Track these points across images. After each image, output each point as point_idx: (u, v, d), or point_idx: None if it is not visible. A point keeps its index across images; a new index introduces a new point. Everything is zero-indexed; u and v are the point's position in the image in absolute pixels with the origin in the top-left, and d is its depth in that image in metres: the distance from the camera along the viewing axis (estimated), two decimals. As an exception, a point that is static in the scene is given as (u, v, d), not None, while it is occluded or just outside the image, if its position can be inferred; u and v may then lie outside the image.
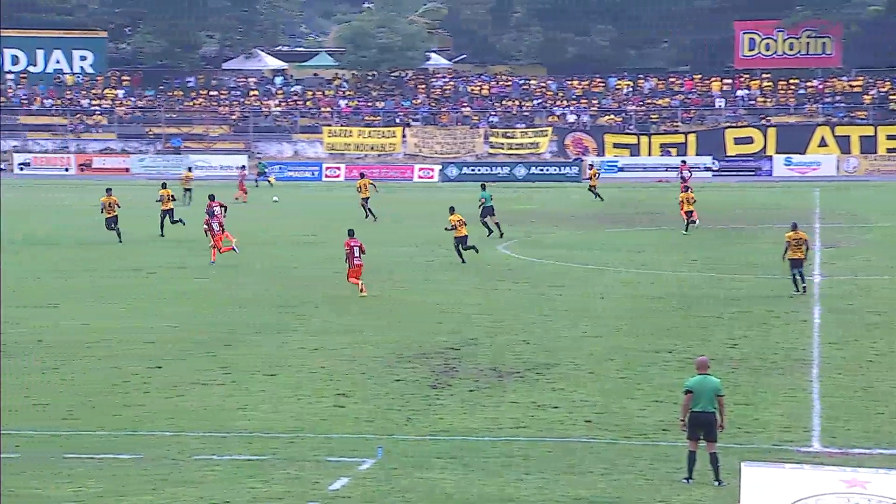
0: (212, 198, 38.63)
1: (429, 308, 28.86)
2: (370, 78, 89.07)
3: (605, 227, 46.60)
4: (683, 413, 16.26)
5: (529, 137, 78.34)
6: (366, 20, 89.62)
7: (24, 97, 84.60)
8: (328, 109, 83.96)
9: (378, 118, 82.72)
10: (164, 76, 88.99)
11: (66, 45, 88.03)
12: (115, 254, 38.23)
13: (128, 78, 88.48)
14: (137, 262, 36.56)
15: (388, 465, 16.81)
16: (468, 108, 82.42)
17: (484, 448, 17.69)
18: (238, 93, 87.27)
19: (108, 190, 42.08)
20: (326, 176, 74.02)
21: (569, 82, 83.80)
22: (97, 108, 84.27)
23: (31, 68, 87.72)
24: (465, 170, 75.02)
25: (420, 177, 74.88)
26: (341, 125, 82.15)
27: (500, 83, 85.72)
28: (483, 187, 44.41)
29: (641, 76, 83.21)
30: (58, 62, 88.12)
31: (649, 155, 74.23)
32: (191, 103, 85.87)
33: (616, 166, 73.02)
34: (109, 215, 40.89)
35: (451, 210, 36.66)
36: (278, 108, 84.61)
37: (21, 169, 77.24)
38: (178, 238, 41.95)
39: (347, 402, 20.26)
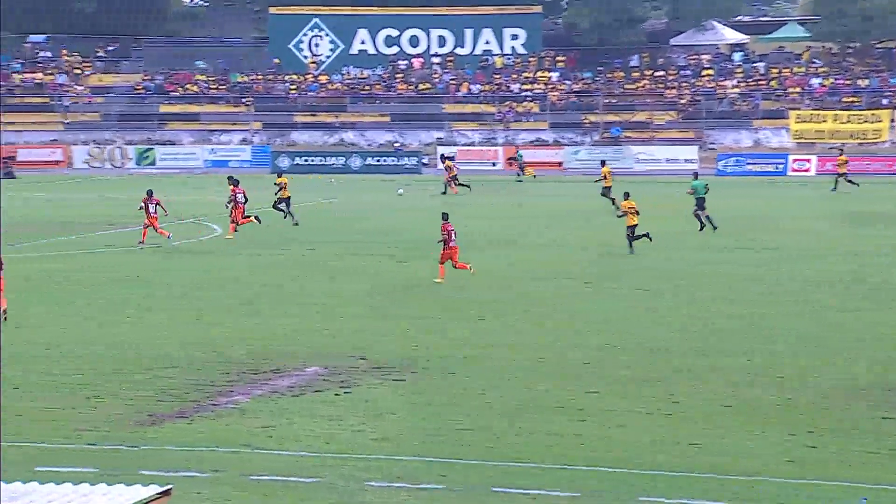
0: (235, 182, 46.23)
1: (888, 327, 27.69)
2: (850, 51, 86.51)
3: None
4: None
5: None
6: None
7: (451, 81, 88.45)
8: (797, 90, 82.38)
9: (859, 100, 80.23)
10: (602, 55, 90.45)
11: (497, 23, 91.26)
12: (541, 259, 39.19)
13: (562, 58, 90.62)
14: (568, 269, 37.34)
15: (871, 521, 16.18)
16: (974, 85, 78.34)
17: None
18: (688, 73, 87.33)
19: (279, 174, 51.22)
20: (793, 170, 72.61)
21: None
22: (528, 93, 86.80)
23: (458, 50, 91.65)
24: (971, 161, 71.38)
25: (910, 170, 71.89)
26: (813, 109, 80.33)
27: None
28: (695, 176, 47.61)
29: None
30: (487, 42, 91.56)
31: None
32: (633, 86, 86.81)
33: None
34: (284, 196, 48.67)
35: (626, 196, 40.56)
36: (736, 90, 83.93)
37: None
38: (598, 246, 42.54)
39: (818, 440, 19.71)
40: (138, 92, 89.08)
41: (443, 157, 66.46)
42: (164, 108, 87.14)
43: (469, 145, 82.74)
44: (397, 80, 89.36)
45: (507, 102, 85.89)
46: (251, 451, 19.40)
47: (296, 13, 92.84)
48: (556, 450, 19.47)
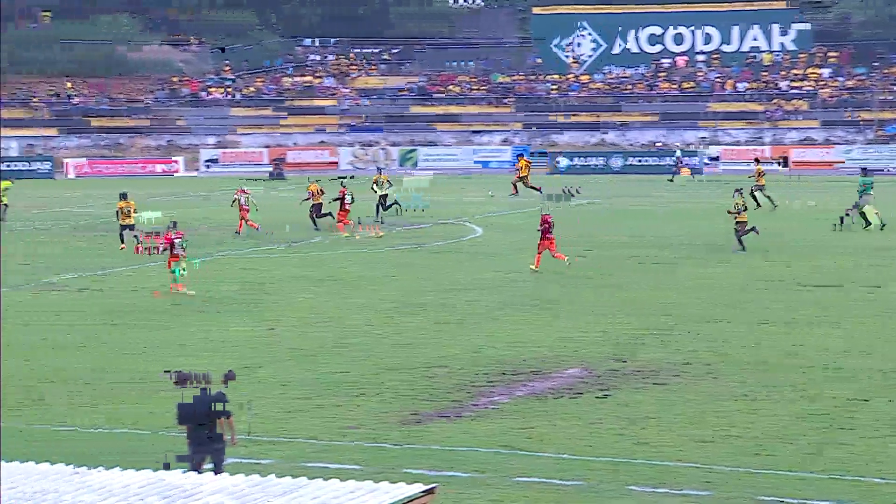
0: (343, 183, 47.81)
1: None
2: None
3: None
4: None
5: None
6: None
7: (716, 79, 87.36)
8: None
9: None
10: (877, 51, 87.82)
11: (765, 19, 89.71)
12: (819, 263, 38.39)
13: (835, 54, 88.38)
14: (851, 275, 36.50)
15: None
16: None
17: None
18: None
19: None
20: None
21: None
22: (797, 90, 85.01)
23: (724, 47, 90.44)
24: None
25: None
26: None
27: None
28: (864, 172, 47.40)
29: None
30: (755, 39, 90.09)
31: None
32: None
33: None
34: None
35: (736, 192, 42.34)
36: None
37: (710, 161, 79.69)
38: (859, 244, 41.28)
39: None
40: (402, 94, 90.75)
41: (520, 155, 65.89)
42: (426, 110, 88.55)
43: (734, 144, 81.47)
44: (660, 79, 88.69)
45: (775, 100, 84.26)
46: (512, 452, 19.61)
47: (559, 13, 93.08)
48: (825, 459, 19.08)
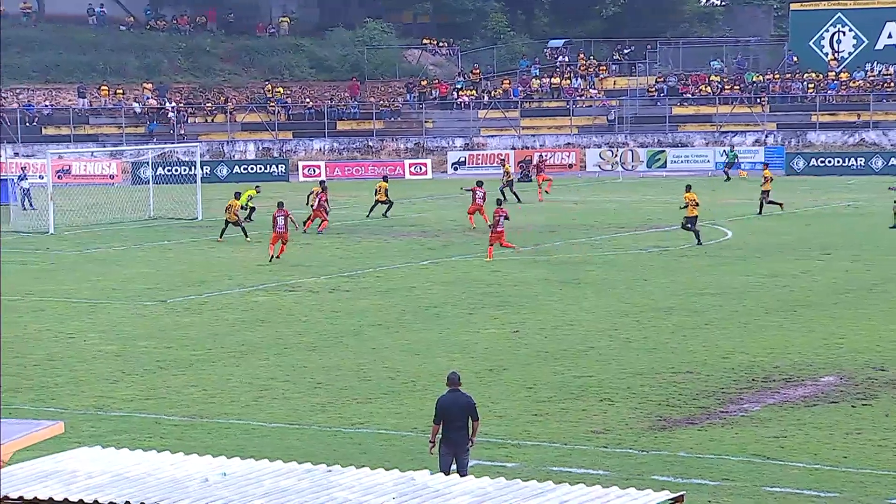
0: (479, 183, 49.35)
1: None
2: None
3: None
4: None
5: None
6: None
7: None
8: None
9: None
10: None
11: None
12: None
13: None
14: None
15: None
16: None
17: None
18: None
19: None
20: None
21: None
22: None
23: None
24: None
25: None
26: None
27: None
28: None
29: None
30: None
31: None
32: None
33: None
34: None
35: (688, 188, 44.58)
36: None
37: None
38: None
39: None
40: (651, 94, 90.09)
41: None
42: (676, 110, 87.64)
43: None
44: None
45: None
46: (762, 460, 19.31)
47: (818, 9, 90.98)
48: None
